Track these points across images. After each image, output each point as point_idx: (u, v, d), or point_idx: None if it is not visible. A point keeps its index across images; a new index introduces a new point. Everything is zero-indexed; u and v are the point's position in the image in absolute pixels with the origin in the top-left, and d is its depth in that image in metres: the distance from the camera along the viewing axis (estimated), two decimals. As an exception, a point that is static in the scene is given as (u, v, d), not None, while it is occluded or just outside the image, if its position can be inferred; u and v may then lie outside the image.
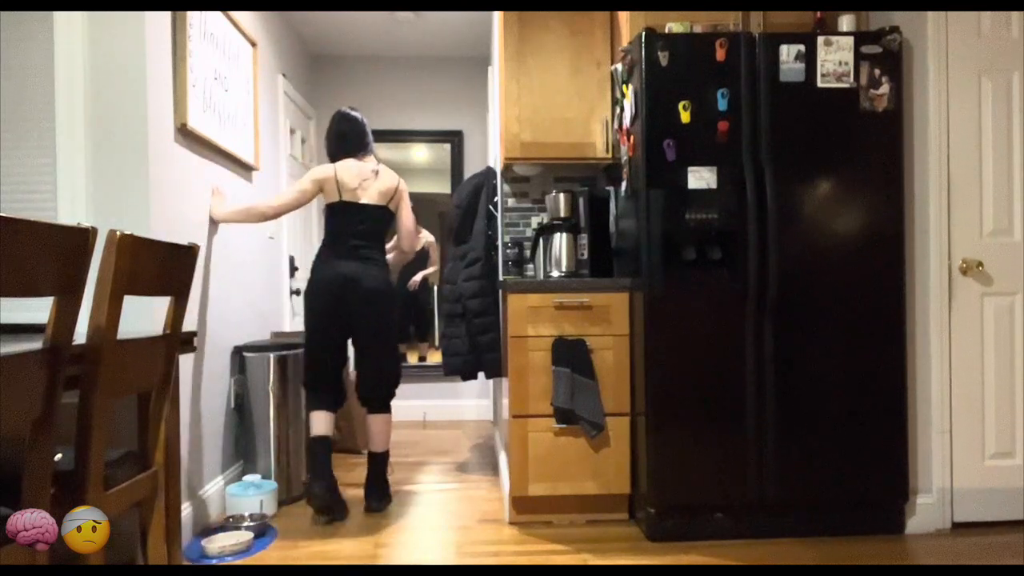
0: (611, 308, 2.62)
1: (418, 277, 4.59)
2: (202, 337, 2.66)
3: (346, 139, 2.96)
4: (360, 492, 2.92)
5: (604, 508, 2.68)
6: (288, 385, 3.03)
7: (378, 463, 2.94)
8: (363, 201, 2.88)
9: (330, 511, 2.73)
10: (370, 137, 3.02)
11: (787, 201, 2.43)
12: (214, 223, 2.82)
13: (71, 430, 1.43)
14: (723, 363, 2.44)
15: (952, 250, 2.53)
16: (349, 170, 2.88)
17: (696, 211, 2.43)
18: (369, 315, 2.84)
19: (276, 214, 2.89)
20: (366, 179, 2.90)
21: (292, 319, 4.08)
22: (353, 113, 3.02)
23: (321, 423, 2.83)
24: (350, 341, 2.96)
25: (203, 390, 2.70)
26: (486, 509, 2.88)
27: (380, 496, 2.90)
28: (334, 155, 2.98)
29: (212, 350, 2.78)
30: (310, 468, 2.84)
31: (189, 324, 1.99)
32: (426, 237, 4.59)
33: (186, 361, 2.27)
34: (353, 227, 2.87)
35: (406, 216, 3.05)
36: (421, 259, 4.62)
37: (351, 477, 3.22)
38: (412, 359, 4.89)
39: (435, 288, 4.85)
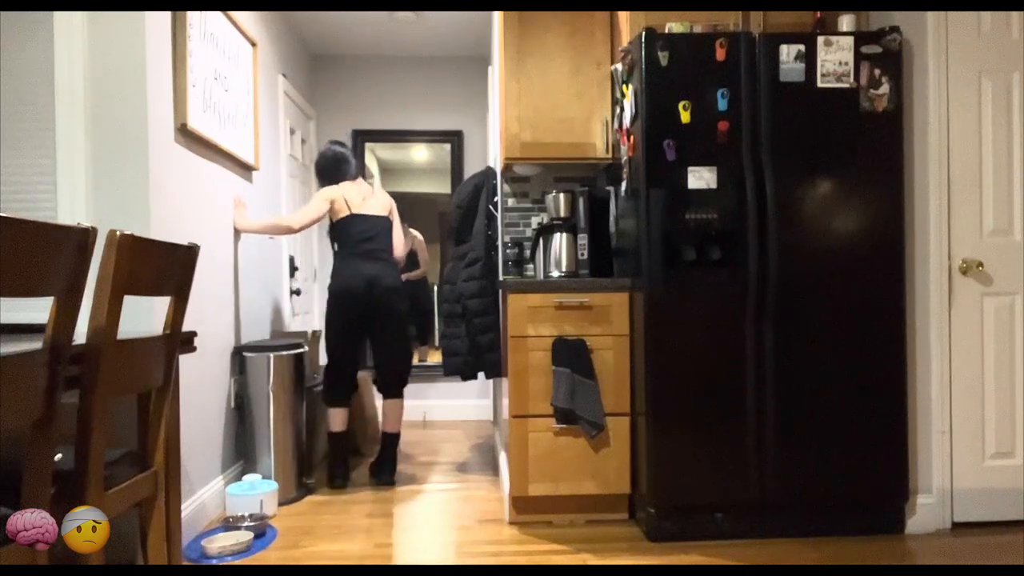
0: (611, 308, 2.62)
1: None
2: (202, 337, 2.65)
3: (343, 165, 3.35)
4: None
5: (604, 508, 2.68)
6: (288, 385, 3.03)
7: (391, 442, 3.35)
8: (370, 213, 3.30)
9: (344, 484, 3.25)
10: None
11: (787, 201, 2.43)
12: (238, 233, 3.12)
13: (71, 430, 1.43)
14: (723, 363, 2.44)
15: (952, 250, 2.53)
16: (352, 189, 3.32)
17: (696, 211, 2.43)
18: (389, 311, 3.25)
19: (300, 228, 3.23)
20: (367, 197, 3.36)
21: (292, 319, 4.08)
22: (342, 146, 3.47)
23: (339, 419, 3.27)
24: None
25: (203, 390, 2.70)
26: (486, 509, 2.88)
27: (391, 470, 3.31)
28: (333, 180, 3.34)
29: (212, 350, 2.78)
30: (330, 462, 3.27)
31: (189, 324, 1.99)
32: (414, 235, 4.55)
33: (186, 361, 2.26)
34: (366, 234, 3.27)
35: (397, 229, 3.48)
36: (411, 260, 4.55)
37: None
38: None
39: (435, 288, 4.85)
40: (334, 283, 3.25)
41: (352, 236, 3.25)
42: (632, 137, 2.57)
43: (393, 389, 3.35)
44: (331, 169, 3.33)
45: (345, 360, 3.27)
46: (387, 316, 3.24)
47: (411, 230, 4.52)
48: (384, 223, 3.36)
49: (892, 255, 2.46)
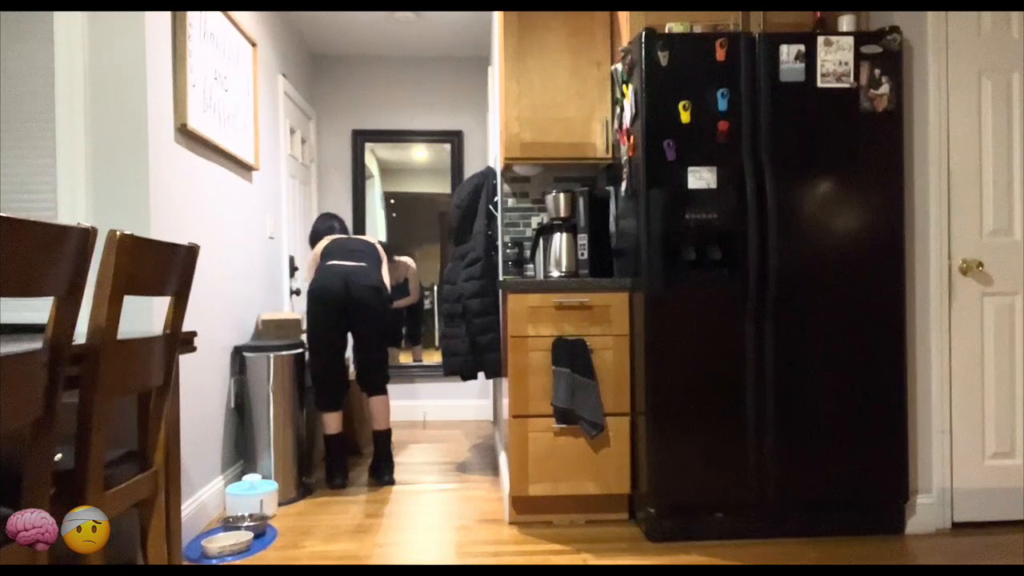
0: (611, 308, 2.62)
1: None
2: (202, 337, 2.65)
3: (332, 230, 3.67)
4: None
5: (604, 508, 2.68)
6: (288, 385, 3.03)
7: (383, 440, 3.36)
8: (353, 236, 3.58)
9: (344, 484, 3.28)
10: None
11: (787, 201, 2.43)
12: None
13: (71, 430, 1.43)
14: (723, 363, 2.44)
15: (952, 250, 2.53)
16: (336, 235, 3.58)
17: (696, 211, 2.43)
18: (366, 307, 3.23)
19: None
20: (351, 237, 3.64)
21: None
22: (333, 217, 3.79)
23: (334, 422, 3.27)
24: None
25: (203, 390, 2.70)
26: (486, 509, 2.88)
27: (389, 469, 3.32)
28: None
29: (212, 350, 2.78)
30: (328, 463, 3.29)
31: (189, 324, 1.98)
32: (408, 264, 4.49)
33: (186, 361, 2.26)
34: (346, 245, 3.43)
35: (385, 271, 3.50)
36: (401, 287, 4.47)
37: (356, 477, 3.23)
38: (404, 360, 4.84)
39: (433, 288, 4.85)
40: (312, 284, 3.28)
41: (333, 250, 3.39)
42: (632, 137, 2.57)
43: (375, 386, 3.34)
44: (322, 234, 3.66)
45: (330, 362, 3.23)
46: (363, 313, 3.22)
47: (404, 259, 4.46)
48: (368, 244, 3.49)
49: (892, 255, 2.46)
